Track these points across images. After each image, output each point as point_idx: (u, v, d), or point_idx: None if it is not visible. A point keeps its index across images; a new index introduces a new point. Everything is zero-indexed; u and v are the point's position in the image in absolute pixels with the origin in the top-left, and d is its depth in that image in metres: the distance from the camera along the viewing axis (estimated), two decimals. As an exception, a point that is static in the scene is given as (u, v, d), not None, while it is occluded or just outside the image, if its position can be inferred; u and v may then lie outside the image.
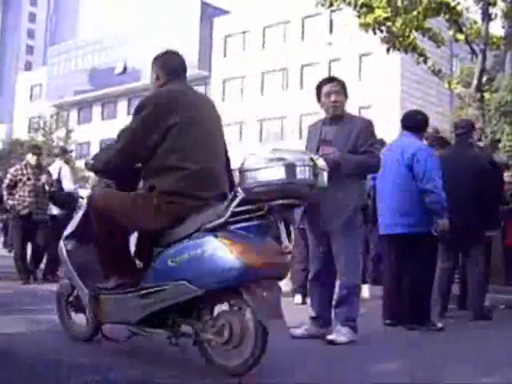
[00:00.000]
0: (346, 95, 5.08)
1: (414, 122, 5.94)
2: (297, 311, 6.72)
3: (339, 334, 4.81)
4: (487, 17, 11.66)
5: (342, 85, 5.09)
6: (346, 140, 4.90)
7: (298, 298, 7.57)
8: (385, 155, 5.54)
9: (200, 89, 47.62)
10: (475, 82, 11.61)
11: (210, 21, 47.50)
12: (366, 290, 7.90)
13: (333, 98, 4.99)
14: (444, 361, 4.42)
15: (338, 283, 4.98)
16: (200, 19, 47.31)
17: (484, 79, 11.58)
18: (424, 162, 5.53)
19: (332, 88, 5.03)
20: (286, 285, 8.62)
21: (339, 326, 4.88)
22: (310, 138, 5.16)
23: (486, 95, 11.99)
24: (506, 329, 5.97)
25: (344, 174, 4.77)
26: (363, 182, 5.32)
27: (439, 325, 5.69)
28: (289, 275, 8.92)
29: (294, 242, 8.12)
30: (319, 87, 5.11)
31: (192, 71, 46.49)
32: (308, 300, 5.60)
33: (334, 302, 5.01)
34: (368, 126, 5.05)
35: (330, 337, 4.80)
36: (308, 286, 5.33)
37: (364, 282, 7.24)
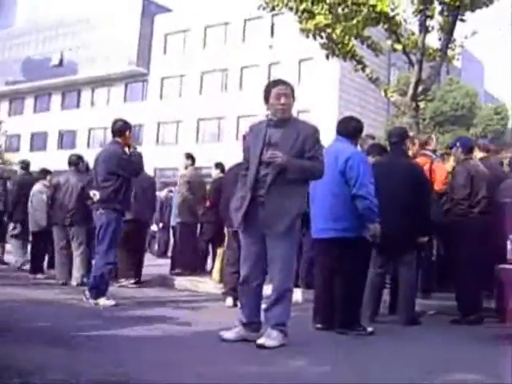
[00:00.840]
0: (293, 99, 5.09)
1: (349, 128, 6.01)
2: (228, 314, 6.71)
3: (269, 337, 4.81)
4: (424, 29, 11.91)
5: (291, 88, 5.11)
6: (293, 144, 4.91)
7: (230, 301, 7.54)
8: None
9: (138, 86, 47.16)
10: (411, 91, 11.84)
11: (152, 18, 46.98)
12: (298, 294, 7.94)
13: (282, 100, 4.98)
14: (372, 364, 4.47)
15: (269, 287, 4.98)
16: (141, 15, 46.69)
17: (419, 89, 11.81)
18: (357, 168, 5.59)
19: (282, 90, 5.02)
20: (217, 288, 8.62)
21: (269, 329, 4.87)
22: (253, 139, 5.10)
23: (421, 105, 12.26)
24: (434, 334, 6.09)
25: (288, 179, 4.82)
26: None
27: (369, 329, 5.76)
28: (218, 277, 8.94)
29: (227, 244, 8.10)
30: (268, 89, 5.09)
31: (130, 68, 46.06)
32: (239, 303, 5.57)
33: (264, 306, 5.00)
34: (314, 132, 5.08)
35: (259, 341, 4.79)
36: (238, 290, 5.28)
37: (297, 285, 7.27)
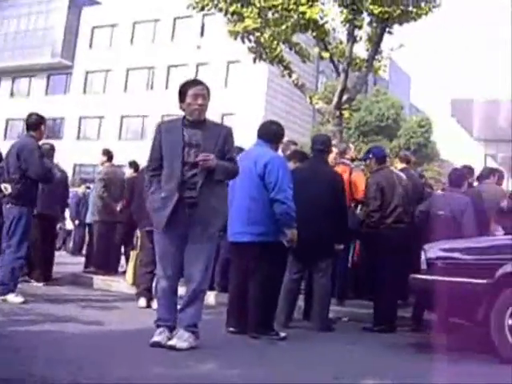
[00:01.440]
0: (208, 99, 5.05)
1: (269, 132, 6.01)
2: (140, 314, 6.59)
3: (180, 339, 4.73)
4: (352, 38, 12.06)
5: (208, 89, 5.05)
6: (214, 146, 4.89)
7: (143, 302, 7.39)
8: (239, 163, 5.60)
9: (61, 78, 46.01)
10: (335, 99, 11.96)
11: (79, 9, 45.94)
12: (212, 297, 7.88)
13: (200, 101, 4.94)
14: (281, 369, 4.46)
15: (186, 288, 4.90)
16: (68, 6, 45.56)
17: (344, 98, 11.95)
18: (276, 172, 5.58)
19: (200, 91, 4.98)
20: (130, 288, 8.45)
21: (181, 330, 4.79)
22: (168, 138, 4.99)
23: (346, 114, 12.40)
24: (347, 340, 6.12)
25: (214, 180, 4.84)
26: None
27: (282, 334, 5.75)
28: (131, 280, 8.78)
29: (141, 244, 7.97)
30: (185, 88, 5.02)
31: (54, 59, 44.88)
32: (154, 304, 5.45)
33: (178, 307, 4.92)
34: (231, 133, 5.09)
35: (170, 342, 4.71)
36: (156, 290, 5.17)
37: (211, 288, 7.21)
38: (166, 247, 4.94)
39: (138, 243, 8.77)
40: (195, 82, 5.15)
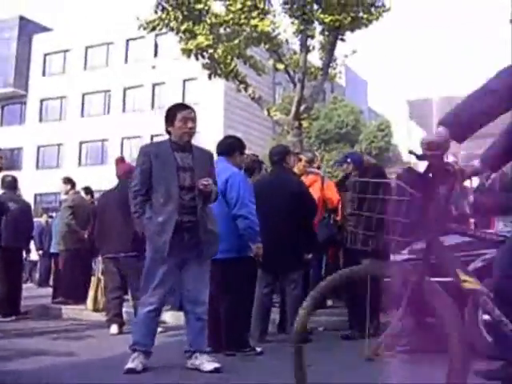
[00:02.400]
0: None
1: (226, 147, 5.99)
2: (113, 341, 6.48)
3: (207, 361, 4.89)
4: (306, 48, 12.15)
5: (195, 113, 5.08)
6: (203, 170, 4.94)
7: (114, 329, 7.28)
8: None
9: (15, 108, 45.42)
10: (293, 110, 12.01)
11: (30, 37, 45.46)
12: (168, 316, 7.86)
13: (190, 124, 4.94)
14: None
15: (189, 311, 5.00)
16: (18, 34, 45.06)
17: (302, 108, 12.00)
18: (237, 188, 5.56)
19: (189, 115, 4.98)
20: (101, 315, 8.30)
21: (205, 355, 4.96)
22: (158, 161, 4.93)
23: (305, 123, 12.46)
24: (324, 351, 6.07)
25: (207, 204, 4.96)
26: None
27: (258, 349, 5.70)
28: (92, 306, 8.65)
29: (105, 270, 7.87)
30: (174, 112, 5.01)
31: (7, 89, 44.28)
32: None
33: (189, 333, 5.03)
34: (212, 156, 5.23)
35: (198, 363, 4.89)
36: (146, 317, 5.00)
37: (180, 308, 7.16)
38: (164, 274, 4.85)
39: (99, 269, 8.70)
40: (183, 106, 5.15)
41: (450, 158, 2.57)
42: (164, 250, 4.75)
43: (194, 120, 4.98)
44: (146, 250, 5.00)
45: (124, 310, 7.65)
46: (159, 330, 7.13)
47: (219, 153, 5.98)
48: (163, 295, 4.90)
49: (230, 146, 6.00)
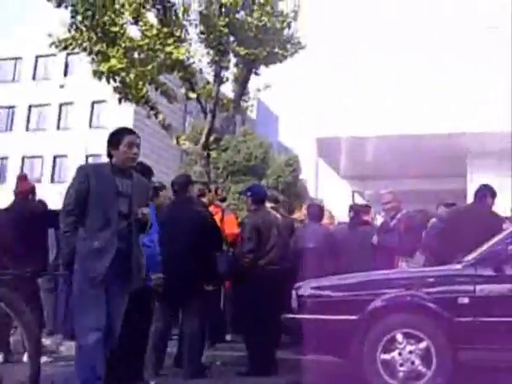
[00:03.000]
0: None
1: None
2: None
3: None
4: (219, 79, 12.18)
5: (140, 140, 4.97)
6: (141, 198, 4.86)
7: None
8: None
9: None
10: (203, 140, 11.98)
11: None
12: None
13: (134, 150, 4.82)
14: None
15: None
16: None
17: (212, 138, 11.99)
18: None
19: (134, 140, 4.87)
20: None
21: None
22: (97, 185, 4.73)
23: (214, 154, 12.45)
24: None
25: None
26: None
27: (152, 383, 5.54)
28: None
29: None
30: (119, 136, 4.90)
31: None
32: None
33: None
34: (150, 186, 5.25)
35: None
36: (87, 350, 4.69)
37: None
38: (99, 298, 4.60)
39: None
40: (129, 131, 5.05)
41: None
42: (100, 274, 4.55)
43: (138, 146, 4.88)
44: (74, 274, 4.72)
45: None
46: (48, 359, 6.86)
47: None
48: (102, 319, 4.59)
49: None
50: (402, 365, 5.24)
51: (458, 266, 5.63)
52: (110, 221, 4.65)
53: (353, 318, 5.42)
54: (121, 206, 4.69)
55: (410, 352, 5.24)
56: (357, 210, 8.62)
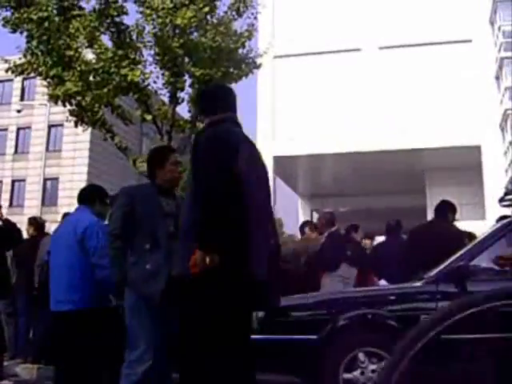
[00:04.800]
0: None
1: (86, 195, 5.77)
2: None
3: None
4: (175, 100, 12.15)
5: None
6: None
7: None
8: (58, 229, 5.48)
9: None
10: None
11: None
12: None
13: (178, 168, 4.64)
14: None
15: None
16: None
17: (170, 160, 11.93)
18: (96, 237, 5.31)
19: (178, 159, 4.68)
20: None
21: None
22: (145, 206, 4.57)
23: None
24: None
25: None
26: None
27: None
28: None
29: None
30: (166, 154, 4.71)
31: None
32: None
33: None
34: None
35: None
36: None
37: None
38: (154, 324, 4.41)
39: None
40: (172, 149, 4.95)
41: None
42: (156, 298, 4.34)
43: (180, 165, 4.70)
44: (126, 299, 4.53)
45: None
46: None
47: (79, 201, 5.75)
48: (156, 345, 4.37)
49: (91, 195, 5.79)
50: (364, 384, 5.22)
51: (419, 283, 5.61)
52: (159, 242, 4.46)
53: (314, 337, 5.39)
54: (168, 227, 4.49)
55: (373, 371, 5.22)
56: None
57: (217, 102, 3.95)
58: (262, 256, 3.61)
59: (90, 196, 5.76)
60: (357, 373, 5.23)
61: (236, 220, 3.49)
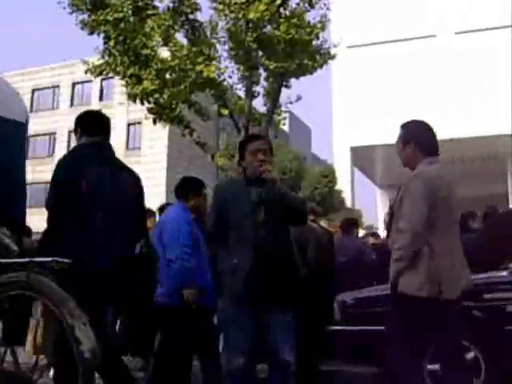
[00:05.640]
0: (271, 155, 4.55)
1: (177, 189, 5.80)
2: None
3: None
4: (250, 94, 12.20)
5: (270, 143, 4.57)
6: (275, 204, 4.35)
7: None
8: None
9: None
10: (238, 155, 11.97)
11: (-27, 81, 45.09)
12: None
13: (260, 156, 4.39)
14: None
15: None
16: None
17: (247, 154, 11.98)
18: (168, 231, 5.34)
19: (259, 145, 4.43)
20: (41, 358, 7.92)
21: None
22: (235, 200, 4.43)
23: (249, 169, 12.40)
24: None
25: None
26: None
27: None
28: (33, 349, 8.29)
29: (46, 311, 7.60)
30: (243, 145, 4.55)
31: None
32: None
33: None
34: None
35: None
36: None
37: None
38: (242, 320, 4.23)
39: (38, 311, 8.35)
40: (253, 137, 4.67)
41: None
42: (238, 293, 4.22)
43: (266, 151, 4.43)
44: (219, 297, 4.45)
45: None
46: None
47: (175, 195, 5.80)
48: (247, 342, 4.19)
49: (182, 189, 5.78)
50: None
51: (504, 273, 5.45)
52: (244, 235, 4.29)
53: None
54: (256, 216, 4.32)
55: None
56: None
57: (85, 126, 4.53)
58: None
59: (181, 190, 5.77)
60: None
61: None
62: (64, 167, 4.23)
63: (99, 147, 4.42)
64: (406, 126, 4.37)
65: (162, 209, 7.38)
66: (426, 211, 3.90)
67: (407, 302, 3.95)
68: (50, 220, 4.19)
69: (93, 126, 4.55)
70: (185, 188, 5.76)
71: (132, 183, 4.47)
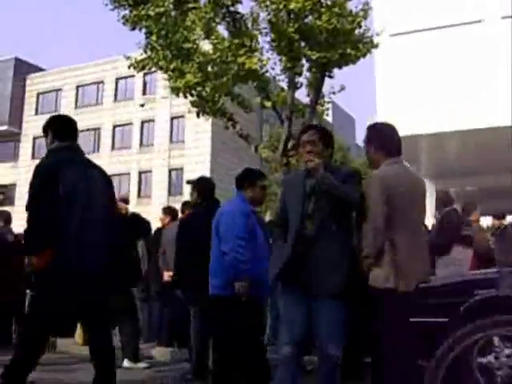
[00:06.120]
0: (327, 145, 4.48)
1: (236, 181, 5.75)
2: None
3: None
4: (293, 85, 12.13)
5: (321, 133, 4.49)
6: (326, 196, 4.32)
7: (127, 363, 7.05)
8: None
9: (9, 146, 45.70)
10: (281, 147, 11.95)
11: (24, 77, 46.02)
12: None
13: (308, 148, 4.37)
14: None
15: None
16: (13, 75, 45.59)
17: (290, 145, 11.94)
18: (224, 223, 5.33)
19: (307, 137, 4.41)
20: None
21: None
22: (288, 192, 4.55)
23: (293, 160, 12.33)
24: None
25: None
26: None
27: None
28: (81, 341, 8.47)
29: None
30: (299, 136, 4.55)
31: (1, 127, 44.68)
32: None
33: None
34: (352, 174, 4.52)
35: None
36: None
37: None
38: (290, 309, 4.34)
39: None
40: (304, 129, 4.64)
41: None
42: (272, 282, 4.47)
43: (314, 143, 4.38)
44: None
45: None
46: (143, 365, 6.97)
47: (236, 186, 5.78)
48: (296, 331, 4.23)
49: (240, 181, 5.73)
50: (499, 369, 5.01)
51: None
52: (293, 226, 4.36)
53: (444, 320, 5.23)
54: (307, 208, 4.34)
55: (508, 356, 5.00)
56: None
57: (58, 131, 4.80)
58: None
59: (238, 181, 5.75)
60: (491, 357, 5.04)
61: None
62: (41, 172, 4.51)
63: (72, 150, 4.78)
64: (368, 129, 4.57)
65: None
66: (384, 209, 4.14)
67: (377, 294, 4.21)
68: (29, 221, 4.50)
69: (64, 130, 4.84)
70: (241, 179, 5.74)
71: (105, 181, 5.04)
